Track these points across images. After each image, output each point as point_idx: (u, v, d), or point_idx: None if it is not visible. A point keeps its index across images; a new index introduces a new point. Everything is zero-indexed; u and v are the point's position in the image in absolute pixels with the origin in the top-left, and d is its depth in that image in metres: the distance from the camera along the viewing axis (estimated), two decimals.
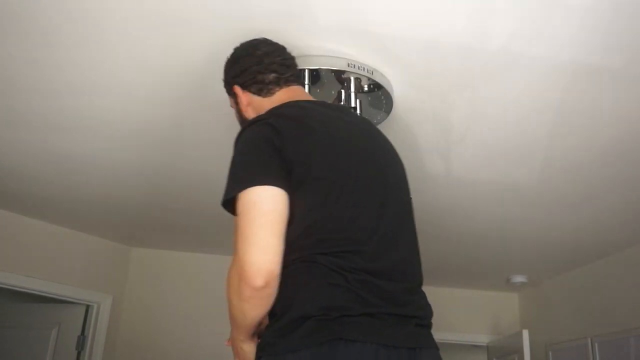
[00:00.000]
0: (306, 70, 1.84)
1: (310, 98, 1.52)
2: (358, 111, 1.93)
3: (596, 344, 3.75)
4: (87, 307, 3.93)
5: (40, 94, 2.14)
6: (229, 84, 1.57)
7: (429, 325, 1.31)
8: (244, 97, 1.53)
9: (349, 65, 1.84)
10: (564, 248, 3.63)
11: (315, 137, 1.32)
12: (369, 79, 1.89)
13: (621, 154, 2.39)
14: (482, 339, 4.76)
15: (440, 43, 1.75)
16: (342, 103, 1.93)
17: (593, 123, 2.18)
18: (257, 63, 1.50)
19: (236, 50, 1.58)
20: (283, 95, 1.48)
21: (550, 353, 4.25)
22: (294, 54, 1.61)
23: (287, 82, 1.50)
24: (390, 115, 2.11)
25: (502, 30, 1.68)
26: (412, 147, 2.42)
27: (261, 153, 1.27)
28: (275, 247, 1.18)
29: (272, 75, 1.49)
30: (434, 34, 1.71)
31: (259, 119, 1.34)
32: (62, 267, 3.72)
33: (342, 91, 1.93)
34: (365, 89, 1.94)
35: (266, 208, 1.21)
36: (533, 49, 1.76)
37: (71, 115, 2.28)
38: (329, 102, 2.00)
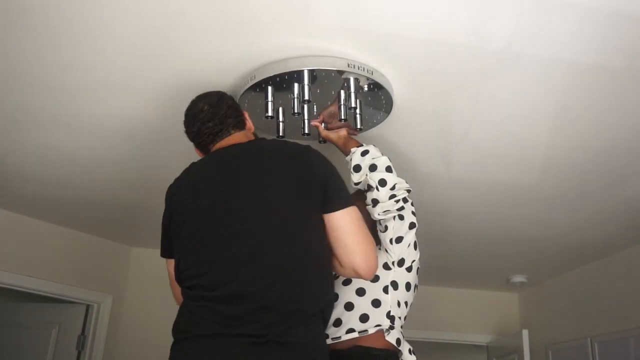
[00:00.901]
0: (306, 70, 1.84)
1: (235, 142, 1.77)
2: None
3: (596, 344, 3.75)
4: (87, 307, 3.93)
5: (40, 94, 2.14)
6: None
7: (273, 342, 1.47)
8: (199, 153, 1.88)
9: (349, 65, 1.84)
10: (564, 248, 3.64)
11: (182, 193, 1.71)
12: (368, 79, 1.89)
13: (621, 154, 2.39)
14: (482, 339, 4.76)
15: (440, 43, 1.75)
16: (342, 104, 1.93)
17: (593, 122, 2.18)
18: (197, 133, 1.81)
19: (185, 116, 1.86)
20: (212, 150, 1.80)
21: (550, 353, 4.25)
22: (294, 54, 1.65)
23: (222, 137, 1.78)
24: (390, 115, 2.11)
25: (502, 30, 1.68)
26: (412, 147, 2.42)
27: (162, 228, 1.78)
28: (176, 297, 1.79)
29: (210, 137, 1.79)
30: (434, 34, 1.71)
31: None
32: (62, 267, 3.72)
33: (342, 91, 1.93)
34: (365, 89, 1.94)
35: (169, 273, 1.79)
36: (533, 49, 1.76)
37: (71, 115, 2.28)
38: (329, 102, 2.00)
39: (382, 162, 1.92)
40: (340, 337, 1.81)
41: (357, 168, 1.94)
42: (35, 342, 3.90)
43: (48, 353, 3.85)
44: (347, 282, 1.88)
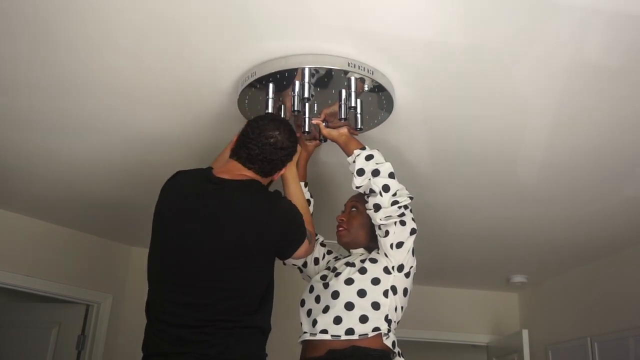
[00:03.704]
0: (306, 69, 1.84)
1: (218, 175, 1.86)
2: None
3: (595, 344, 3.75)
4: (87, 306, 3.93)
5: (40, 94, 2.14)
6: None
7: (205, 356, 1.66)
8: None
9: (349, 65, 1.84)
10: (564, 248, 3.64)
11: (163, 210, 1.88)
12: (369, 79, 1.89)
13: (621, 154, 2.39)
14: (482, 339, 4.76)
15: (440, 43, 1.75)
16: (342, 103, 1.93)
17: (593, 123, 2.18)
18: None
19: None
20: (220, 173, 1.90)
21: (550, 353, 4.25)
22: (294, 53, 1.68)
23: (242, 166, 1.89)
24: (391, 115, 2.11)
25: (502, 30, 1.69)
26: (412, 147, 2.42)
27: None
28: None
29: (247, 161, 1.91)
30: (434, 34, 1.71)
31: None
32: (62, 267, 3.72)
33: (342, 91, 1.93)
34: (366, 88, 1.94)
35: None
36: (533, 49, 1.76)
37: (71, 115, 2.28)
38: (329, 101, 2.01)
39: (386, 168, 1.93)
40: (340, 337, 1.82)
41: (361, 172, 1.94)
42: (35, 342, 3.90)
43: (48, 353, 3.85)
44: (349, 281, 1.88)
